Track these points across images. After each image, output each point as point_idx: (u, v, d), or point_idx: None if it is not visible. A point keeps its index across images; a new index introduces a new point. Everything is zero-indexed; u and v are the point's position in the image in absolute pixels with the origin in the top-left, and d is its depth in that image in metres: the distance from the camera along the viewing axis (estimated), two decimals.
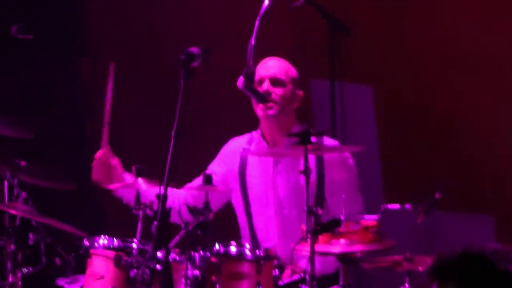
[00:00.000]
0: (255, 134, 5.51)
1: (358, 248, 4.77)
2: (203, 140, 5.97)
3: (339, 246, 4.76)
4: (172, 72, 4.69)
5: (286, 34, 6.02)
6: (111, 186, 5.20)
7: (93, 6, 6.75)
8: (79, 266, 5.15)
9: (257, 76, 5.22)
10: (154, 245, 4.67)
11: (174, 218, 4.92)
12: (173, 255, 4.88)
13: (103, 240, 4.99)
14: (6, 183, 4.94)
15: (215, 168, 5.50)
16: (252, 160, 5.58)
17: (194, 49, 4.57)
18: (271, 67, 5.50)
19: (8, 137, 5.25)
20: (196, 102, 5.11)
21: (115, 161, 5.39)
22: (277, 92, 5.31)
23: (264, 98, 5.19)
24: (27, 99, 6.16)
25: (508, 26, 5.83)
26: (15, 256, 5.01)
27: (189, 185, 5.40)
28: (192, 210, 4.87)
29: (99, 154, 5.33)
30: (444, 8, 6.00)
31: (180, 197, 5.38)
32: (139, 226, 4.86)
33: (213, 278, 4.89)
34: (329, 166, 5.36)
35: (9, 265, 4.99)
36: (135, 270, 4.85)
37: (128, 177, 5.28)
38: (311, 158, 4.89)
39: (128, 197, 5.14)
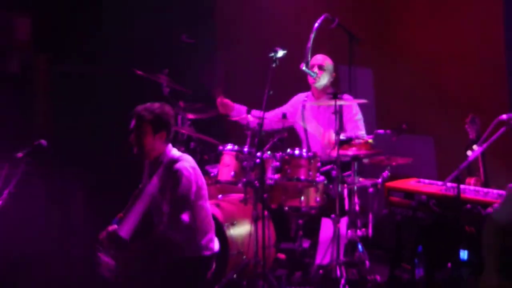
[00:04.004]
0: (309, 93, 7.94)
1: (361, 152, 7.10)
2: (283, 94, 7.86)
3: (351, 151, 7.17)
4: (267, 57, 6.86)
5: (325, 39, 7.70)
6: (232, 118, 7.72)
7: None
8: (216, 160, 7.53)
9: (311, 63, 7.58)
10: (256, 149, 7.06)
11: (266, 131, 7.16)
12: (265, 155, 7.18)
13: (229, 146, 7.38)
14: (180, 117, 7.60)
15: (288, 108, 7.96)
16: (308, 106, 8.03)
17: (278, 48, 6.89)
18: (319, 59, 7.88)
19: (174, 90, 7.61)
20: (279, 75, 6.96)
21: (227, 101, 7.84)
22: (320, 73, 7.77)
23: (314, 75, 7.70)
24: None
25: None
26: None
27: (272, 116, 7.82)
28: (276, 131, 7.40)
29: (218, 100, 7.89)
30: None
31: (269, 123, 7.72)
32: (248, 140, 7.33)
33: (286, 167, 7.25)
34: (345, 110, 7.65)
35: None
36: (246, 162, 7.24)
37: (240, 109, 7.71)
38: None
39: (242, 122, 7.54)
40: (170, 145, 6.12)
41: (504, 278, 4.97)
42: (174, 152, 6.09)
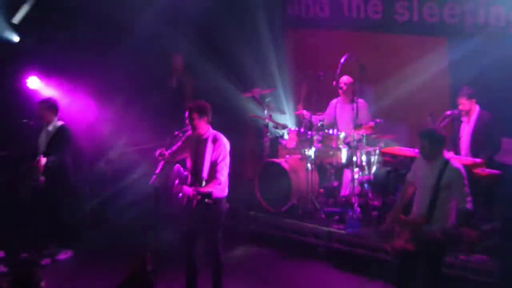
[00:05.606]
0: (339, 98, 11.70)
1: (367, 132, 10.75)
2: (325, 98, 11.62)
3: (362, 131, 10.88)
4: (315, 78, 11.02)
5: (348, 67, 10.67)
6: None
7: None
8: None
9: (340, 81, 11.24)
10: (308, 129, 11.20)
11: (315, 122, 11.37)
12: (313, 133, 11.17)
13: (293, 128, 11.63)
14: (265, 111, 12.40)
15: (328, 110, 11.81)
16: (339, 106, 11.66)
17: (321, 73, 11.07)
18: (344, 79, 11.33)
19: None
20: (323, 87, 11.05)
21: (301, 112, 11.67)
22: (344, 87, 11.57)
23: (342, 88, 11.59)
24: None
25: None
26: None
27: (321, 115, 11.71)
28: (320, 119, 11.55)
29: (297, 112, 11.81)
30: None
31: (317, 118, 11.70)
32: (303, 125, 11.42)
33: (325, 140, 11.11)
34: (360, 108, 11.13)
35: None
36: (302, 137, 11.16)
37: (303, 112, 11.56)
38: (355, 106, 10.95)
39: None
40: (210, 127, 7.82)
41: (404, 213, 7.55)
42: (213, 131, 7.78)
